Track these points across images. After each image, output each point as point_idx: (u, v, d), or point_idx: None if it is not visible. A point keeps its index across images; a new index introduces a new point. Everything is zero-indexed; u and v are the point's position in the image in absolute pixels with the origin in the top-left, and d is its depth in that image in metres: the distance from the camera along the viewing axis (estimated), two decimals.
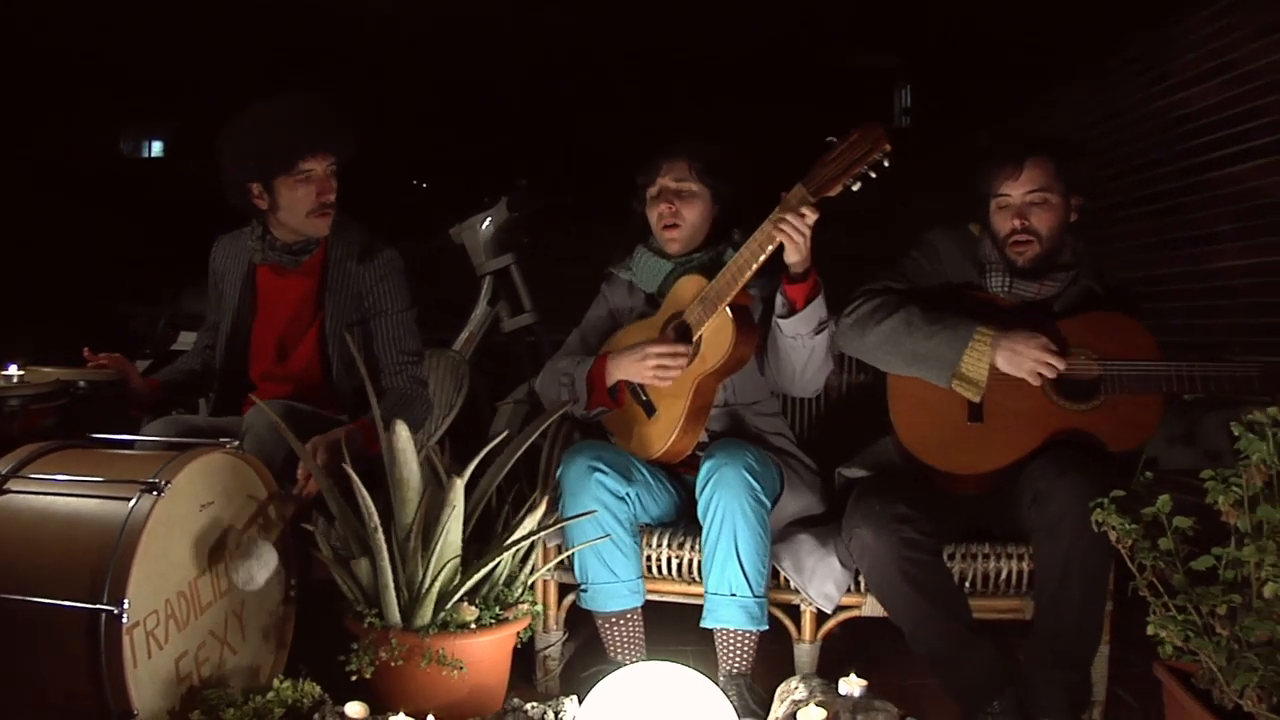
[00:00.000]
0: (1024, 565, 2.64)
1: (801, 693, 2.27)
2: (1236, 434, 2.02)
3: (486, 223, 4.46)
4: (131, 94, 6.64)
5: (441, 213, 4.70)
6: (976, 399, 2.66)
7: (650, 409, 2.87)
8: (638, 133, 3.30)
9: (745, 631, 2.68)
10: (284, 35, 5.53)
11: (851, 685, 2.19)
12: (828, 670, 2.73)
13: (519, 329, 4.52)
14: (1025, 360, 2.59)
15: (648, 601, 2.84)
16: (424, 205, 6.96)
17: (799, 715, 2.09)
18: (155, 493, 2.18)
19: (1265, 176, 3.68)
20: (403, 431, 2.40)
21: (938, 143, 6.28)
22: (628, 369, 2.85)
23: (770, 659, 2.81)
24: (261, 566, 2.42)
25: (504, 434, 2.64)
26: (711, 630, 2.72)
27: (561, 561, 2.81)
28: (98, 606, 2.06)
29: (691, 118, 6.52)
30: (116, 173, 7.14)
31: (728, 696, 2.58)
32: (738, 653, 2.70)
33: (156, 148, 8.52)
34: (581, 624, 2.92)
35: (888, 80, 8.20)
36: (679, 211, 2.94)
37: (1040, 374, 2.60)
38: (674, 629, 3.02)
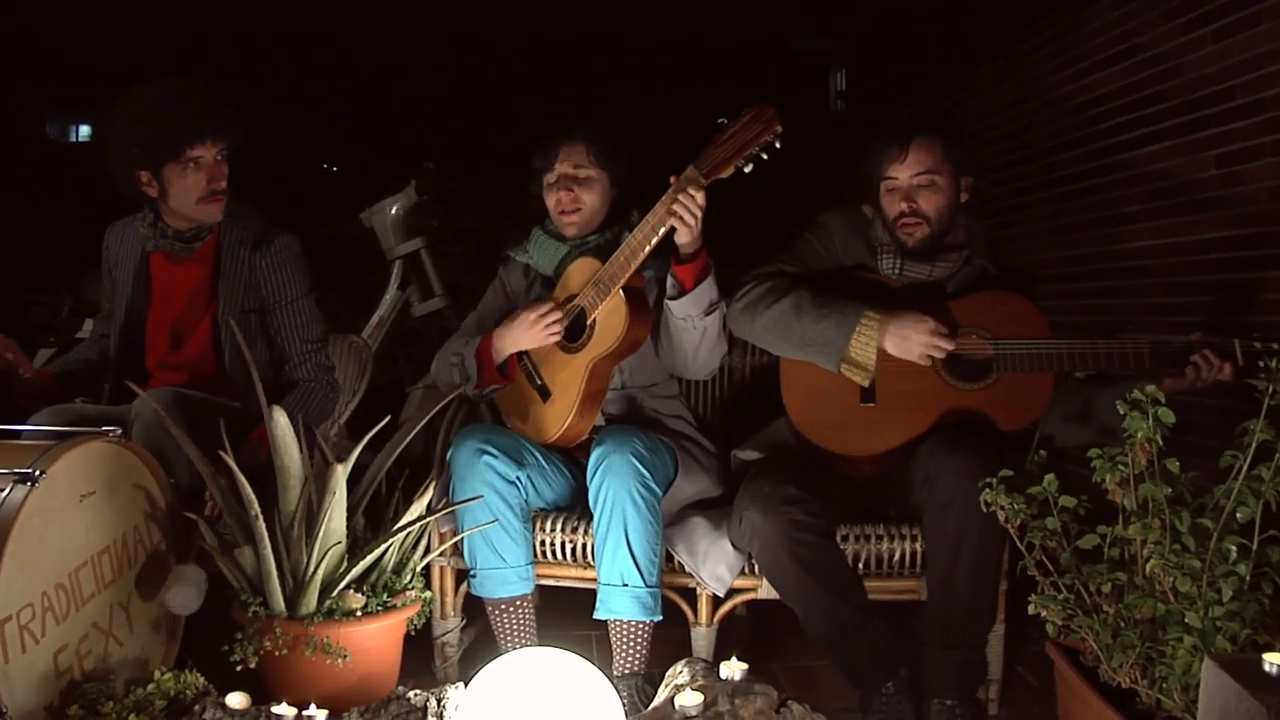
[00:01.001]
0: (918, 546, 2.65)
1: (685, 676, 2.25)
2: (1122, 412, 2.03)
3: (395, 207, 4.42)
4: (60, 78, 6.54)
5: (351, 196, 4.65)
6: (865, 383, 2.66)
7: (545, 393, 2.85)
8: (558, 115, 3.27)
9: (639, 623, 2.66)
10: (207, 21, 5.47)
11: (732, 669, 2.17)
12: (728, 653, 2.73)
13: (430, 313, 4.48)
14: (913, 345, 2.59)
15: (546, 587, 2.83)
16: (333, 189, 6.90)
17: (676, 699, 2.08)
18: (29, 483, 2.13)
19: (1173, 158, 3.71)
20: (280, 419, 2.37)
21: (873, 125, 6.30)
22: (515, 338, 2.83)
23: (668, 643, 2.80)
24: (197, 590, 2.45)
25: (387, 419, 2.61)
26: (606, 622, 2.70)
27: (454, 547, 2.79)
28: None
29: (618, 101, 6.50)
30: (35, 157, 7.02)
31: (620, 696, 2.59)
32: (631, 648, 2.68)
33: (84, 132, 8.40)
34: (481, 610, 2.90)
35: (823, 64, 8.21)
36: (578, 196, 2.92)
37: (930, 356, 2.59)
38: (573, 615, 3.00)
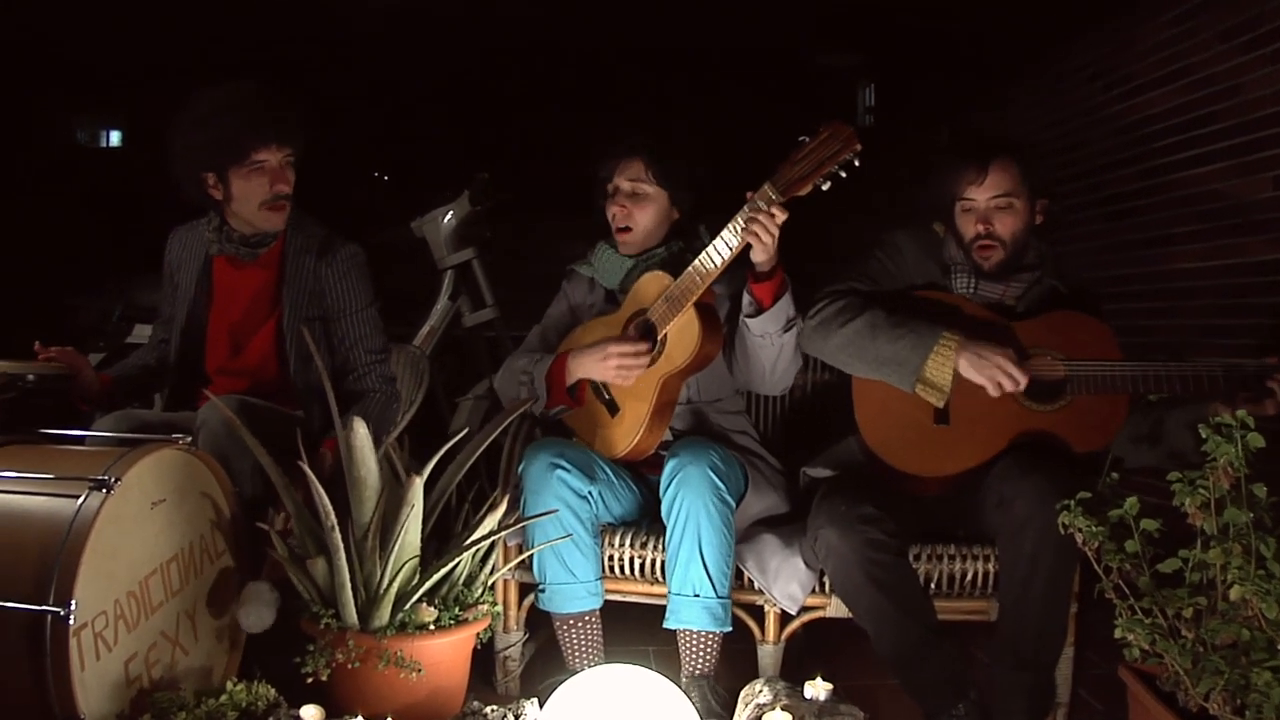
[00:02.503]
0: (989, 567, 2.63)
1: (766, 696, 2.24)
2: (1204, 436, 2.01)
3: (448, 216, 4.38)
4: (90, 83, 6.53)
5: (403, 205, 4.62)
6: (940, 404, 2.63)
7: (614, 408, 2.83)
8: (598, 127, 3.26)
9: (708, 633, 2.65)
10: (244, 26, 5.46)
11: (817, 689, 2.17)
12: (789, 670, 2.71)
13: (479, 324, 4.46)
14: (989, 367, 2.55)
15: (610, 602, 2.81)
16: (386, 198, 6.89)
17: (764, 719, 2.06)
18: (104, 490, 2.13)
19: (1225, 179, 3.70)
20: (360, 429, 2.35)
21: (901, 142, 6.30)
22: (589, 367, 2.80)
23: (734, 659, 2.79)
24: (270, 609, 2.46)
25: (464, 431, 2.59)
26: (674, 631, 2.68)
27: (523, 561, 2.77)
28: (43, 608, 2.01)
29: (651, 114, 6.49)
30: (70, 162, 7.01)
31: (690, 698, 2.56)
32: (701, 654, 2.67)
33: (115, 138, 8.38)
34: (543, 624, 2.88)
35: (851, 79, 8.19)
36: (631, 214, 2.91)
37: (1000, 384, 2.56)
38: (637, 630, 2.99)
